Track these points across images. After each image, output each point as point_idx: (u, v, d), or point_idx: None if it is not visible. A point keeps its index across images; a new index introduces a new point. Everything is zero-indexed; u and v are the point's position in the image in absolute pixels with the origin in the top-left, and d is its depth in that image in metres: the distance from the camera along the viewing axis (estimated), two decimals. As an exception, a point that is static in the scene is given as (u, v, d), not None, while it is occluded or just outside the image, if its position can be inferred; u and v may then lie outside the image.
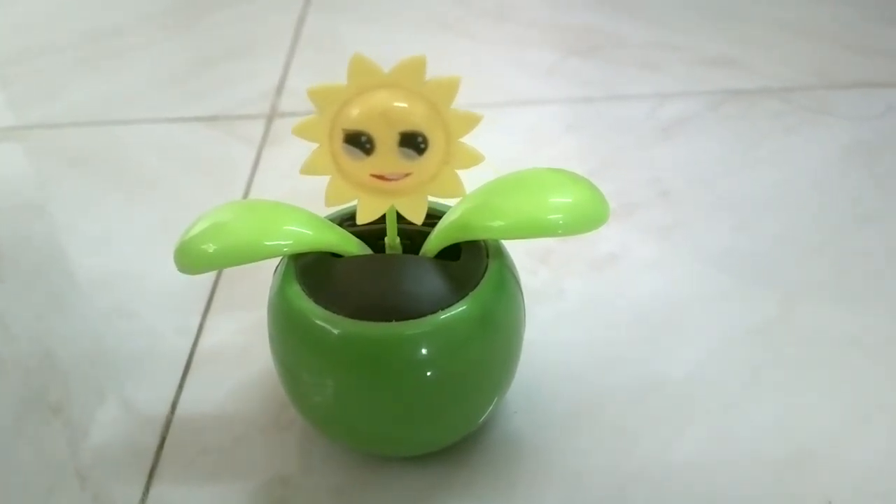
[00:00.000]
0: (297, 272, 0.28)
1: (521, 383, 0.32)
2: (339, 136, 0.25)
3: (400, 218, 0.28)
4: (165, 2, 0.70)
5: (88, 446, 0.33)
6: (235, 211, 0.29)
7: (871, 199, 0.42)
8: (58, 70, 0.61)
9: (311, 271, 0.28)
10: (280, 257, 0.29)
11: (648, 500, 0.30)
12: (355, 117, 0.24)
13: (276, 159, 0.49)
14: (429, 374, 0.27)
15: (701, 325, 0.36)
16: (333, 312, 0.27)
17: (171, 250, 0.27)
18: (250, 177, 0.47)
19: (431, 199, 0.27)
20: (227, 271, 0.40)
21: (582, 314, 0.37)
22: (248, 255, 0.27)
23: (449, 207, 0.29)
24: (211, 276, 0.40)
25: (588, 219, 0.27)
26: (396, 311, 0.27)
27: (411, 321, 0.26)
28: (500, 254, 0.29)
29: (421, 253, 0.29)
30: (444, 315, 0.27)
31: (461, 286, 0.27)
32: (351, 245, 0.29)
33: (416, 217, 0.27)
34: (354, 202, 0.27)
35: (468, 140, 0.26)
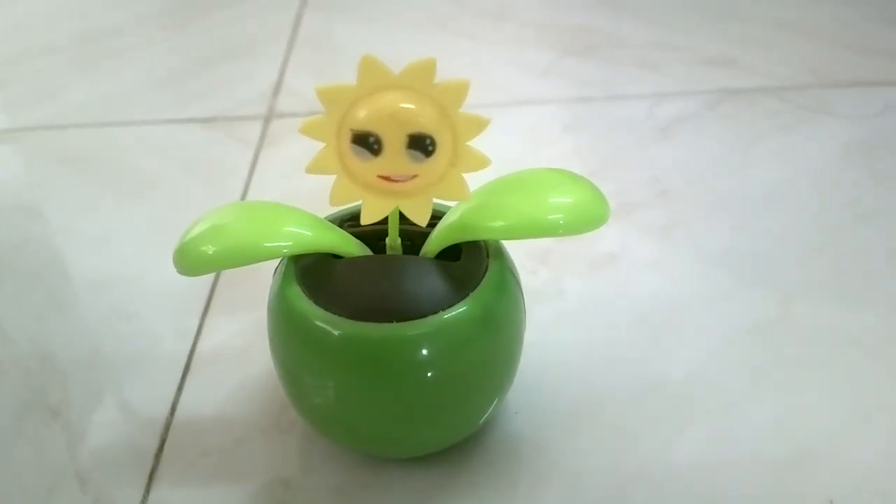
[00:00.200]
0: (297, 273, 0.28)
1: (522, 384, 0.32)
2: (347, 136, 0.25)
3: (401, 219, 0.28)
4: (162, 2, 0.70)
5: (88, 449, 0.33)
6: (235, 212, 0.29)
7: (871, 197, 0.42)
8: (55, 71, 0.61)
9: (311, 272, 0.28)
10: (280, 259, 0.29)
11: (649, 500, 0.30)
12: (364, 118, 0.24)
13: (273, 160, 0.49)
14: (429, 374, 0.27)
15: (701, 325, 0.36)
16: (334, 313, 0.27)
17: (170, 252, 0.27)
18: (248, 178, 0.47)
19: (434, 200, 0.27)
20: (226, 273, 0.40)
21: (582, 314, 0.37)
22: (247, 257, 0.27)
23: (449, 208, 0.29)
24: (210, 277, 0.40)
25: (588, 219, 0.27)
26: (397, 312, 0.27)
27: (412, 322, 0.26)
28: (501, 254, 0.29)
29: (421, 253, 0.29)
30: (444, 316, 0.27)
31: (462, 287, 0.27)
32: (351, 246, 0.29)
33: (421, 219, 0.27)
34: (355, 203, 0.27)
35: (474, 143, 0.25)
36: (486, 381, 0.29)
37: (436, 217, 0.28)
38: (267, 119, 0.52)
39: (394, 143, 0.25)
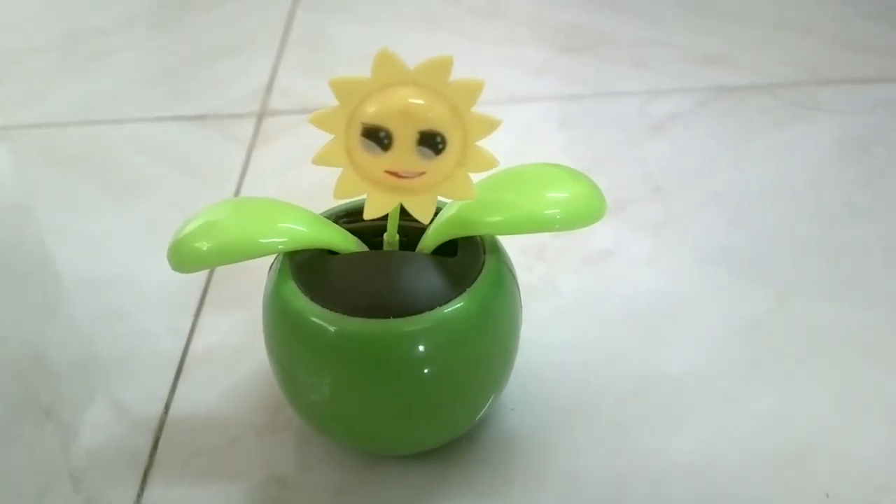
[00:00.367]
0: (292, 270, 0.28)
1: (518, 380, 0.32)
2: (357, 130, 0.25)
3: (400, 215, 0.28)
4: (154, 1, 0.69)
5: (81, 449, 0.32)
6: (229, 208, 0.29)
7: (864, 193, 0.43)
8: (46, 70, 0.61)
9: (307, 269, 0.28)
10: (275, 255, 0.29)
11: (646, 497, 0.29)
12: (376, 112, 0.24)
13: (266, 158, 0.49)
14: (426, 370, 0.27)
15: (696, 321, 0.36)
16: (330, 310, 0.27)
17: (162, 250, 0.27)
18: (241, 176, 0.47)
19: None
20: (220, 270, 0.40)
21: (577, 311, 0.37)
22: (242, 253, 0.27)
23: (444, 204, 0.29)
24: (202, 275, 0.40)
25: (585, 214, 0.27)
26: (394, 308, 0.26)
27: (409, 318, 0.26)
28: (497, 250, 0.29)
29: (418, 249, 0.29)
30: (442, 311, 0.26)
31: (458, 282, 0.27)
32: (347, 242, 0.28)
33: (425, 217, 0.26)
34: (351, 199, 0.27)
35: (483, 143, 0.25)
36: (483, 377, 0.29)
37: (432, 213, 0.28)
38: (259, 117, 0.52)
39: (404, 139, 0.25)
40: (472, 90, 0.24)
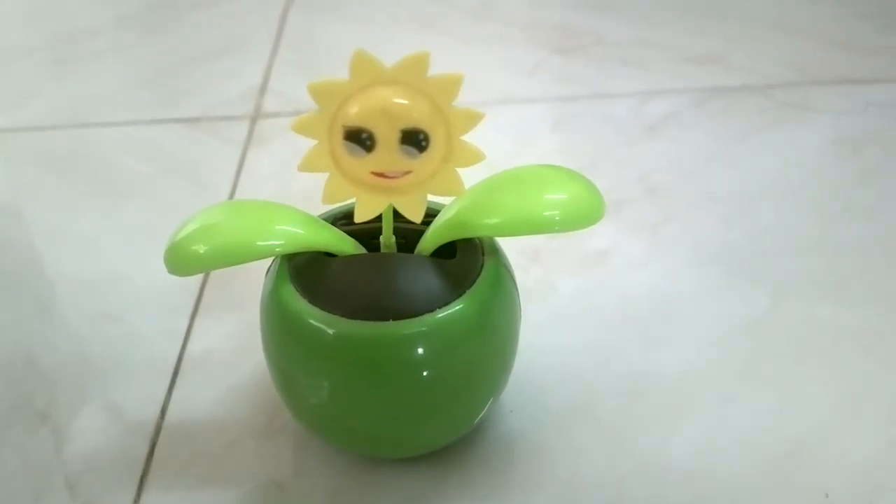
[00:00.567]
0: (290, 272, 0.28)
1: (516, 382, 0.32)
2: (339, 133, 0.25)
3: (395, 216, 0.28)
4: (144, 2, 0.69)
5: (77, 453, 0.32)
6: (226, 211, 0.28)
7: (858, 193, 0.43)
8: (35, 72, 0.60)
9: (305, 271, 0.28)
10: (272, 258, 0.29)
11: (645, 498, 0.29)
12: (356, 114, 0.24)
13: (261, 160, 0.48)
14: (425, 373, 0.27)
15: (693, 321, 0.36)
16: (328, 312, 0.26)
17: (157, 253, 0.27)
18: (235, 178, 0.47)
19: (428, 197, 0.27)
20: (215, 273, 0.40)
21: (574, 312, 0.37)
22: (240, 256, 0.27)
23: (443, 206, 0.29)
24: (198, 277, 0.40)
25: (584, 215, 0.27)
26: (393, 311, 0.26)
27: (408, 320, 0.26)
28: (496, 251, 0.29)
29: (416, 251, 0.28)
30: (441, 314, 0.26)
31: (457, 284, 0.27)
32: (345, 244, 0.28)
33: (415, 216, 0.26)
34: (347, 201, 0.27)
35: (467, 138, 0.25)
36: (482, 380, 0.29)
37: (430, 215, 0.28)
38: (253, 119, 0.52)
39: (387, 139, 0.24)
40: (452, 84, 0.24)
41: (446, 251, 0.28)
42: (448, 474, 0.30)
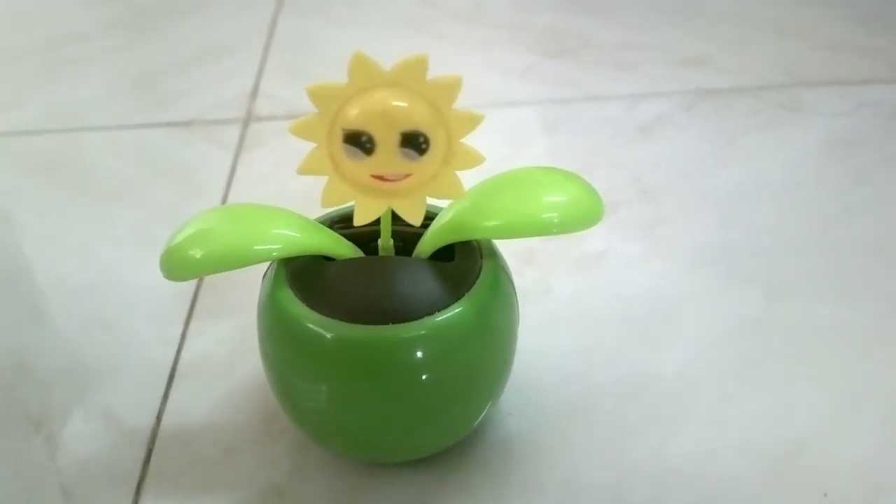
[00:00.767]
0: (287, 276, 0.28)
1: (514, 385, 0.32)
2: (339, 136, 0.24)
3: (393, 219, 0.27)
4: (135, 6, 0.68)
5: (72, 461, 0.32)
6: (222, 215, 0.28)
7: (850, 194, 0.43)
8: (23, 77, 0.60)
9: (302, 275, 0.28)
10: (269, 262, 0.29)
11: (645, 499, 0.29)
12: (356, 117, 0.24)
13: (254, 164, 0.48)
14: (424, 376, 0.27)
15: (690, 322, 0.36)
16: (327, 316, 0.26)
17: (150, 258, 0.27)
18: (228, 182, 0.47)
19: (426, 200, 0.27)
20: (209, 277, 0.39)
21: (571, 314, 0.37)
22: (236, 261, 0.27)
23: (441, 209, 0.29)
24: (192, 282, 0.40)
25: (583, 217, 0.27)
26: (391, 314, 0.26)
27: (407, 324, 0.26)
28: (494, 254, 0.29)
29: (414, 254, 0.28)
30: (439, 317, 0.26)
31: (456, 287, 0.27)
32: (342, 248, 0.28)
33: (415, 219, 0.26)
34: (345, 205, 0.27)
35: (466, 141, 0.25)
36: (480, 383, 0.29)
37: (428, 218, 0.28)
38: (245, 122, 0.52)
39: (387, 142, 0.24)
40: (451, 87, 0.24)
41: (444, 254, 0.28)
42: (447, 478, 0.30)
